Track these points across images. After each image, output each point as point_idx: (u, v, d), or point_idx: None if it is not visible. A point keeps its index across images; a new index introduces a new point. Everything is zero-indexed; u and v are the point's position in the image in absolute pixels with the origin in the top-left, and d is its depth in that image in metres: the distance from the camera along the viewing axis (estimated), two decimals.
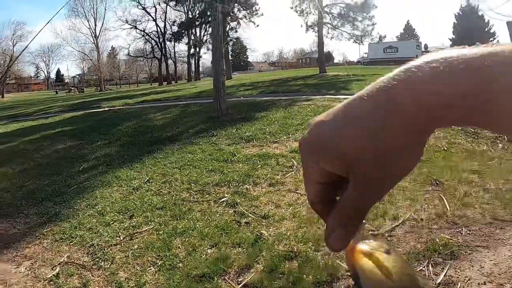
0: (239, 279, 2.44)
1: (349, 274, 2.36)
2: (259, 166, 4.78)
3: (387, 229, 2.92)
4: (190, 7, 40.47)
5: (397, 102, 0.28)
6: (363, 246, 0.34)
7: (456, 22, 53.87)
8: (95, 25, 48.59)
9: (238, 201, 3.71)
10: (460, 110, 0.26)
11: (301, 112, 8.35)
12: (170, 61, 47.81)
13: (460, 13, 51.50)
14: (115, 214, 3.63)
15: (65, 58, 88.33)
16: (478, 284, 2.25)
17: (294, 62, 74.65)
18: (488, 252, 2.57)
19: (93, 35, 48.71)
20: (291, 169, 4.55)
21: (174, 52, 48.33)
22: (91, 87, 53.14)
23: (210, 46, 41.48)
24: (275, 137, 6.29)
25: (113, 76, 59.17)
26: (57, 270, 2.72)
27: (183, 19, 41.89)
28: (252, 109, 9.28)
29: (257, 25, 36.18)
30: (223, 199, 3.80)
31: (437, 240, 2.71)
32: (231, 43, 44.38)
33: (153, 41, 45.78)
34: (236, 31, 38.52)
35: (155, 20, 44.39)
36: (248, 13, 35.11)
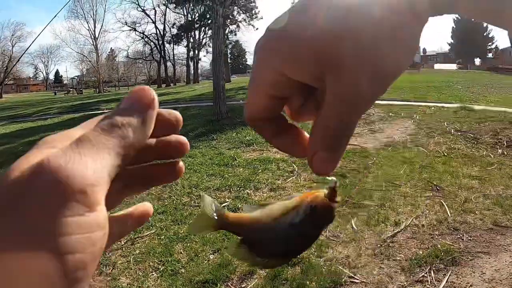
0: (242, 285, 2.44)
1: (352, 280, 2.38)
2: (260, 170, 4.79)
3: (388, 235, 2.93)
4: (190, 9, 40.61)
5: None
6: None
7: (454, 26, 54.22)
8: (95, 26, 48.68)
9: (239, 206, 3.72)
10: None
11: None
12: (169, 64, 47.87)
13: (459, 17, 51.78)
14: None
15: (64, 59, 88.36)
16: None
17: None
18: (489, 258, 2.59)
19: (92, 37, 48.73)
20: (291, 174, 4.56)
21: (173, 54, 48.42)
22: (89, 89, 53.11)
23: (209, 49, 41.77)
24: None
25: (111, 78, 59.10)
26: None
27: (182, 22, 42.03)
28: None
29: (257, 29, 36.35)
30: (224, 204, 3.80)
31: (439, 246, 2.73)
32: (230, 46, 44.52)
33: (152, 43, 45.86)
34: (235, 34, 38.68)
35: (154, 22, 44.50)
36: (247, 16, 35.28)
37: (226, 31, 34.19)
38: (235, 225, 0.32)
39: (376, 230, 3.02)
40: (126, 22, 45.59)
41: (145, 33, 45.57)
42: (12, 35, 48.38)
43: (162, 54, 45.50)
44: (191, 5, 38.98)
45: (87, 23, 47.93)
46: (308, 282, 2.38)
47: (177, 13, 42.64)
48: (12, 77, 55.95)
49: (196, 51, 43.92)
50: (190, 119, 9.59)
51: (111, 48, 59.94)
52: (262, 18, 36.38)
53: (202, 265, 2.71)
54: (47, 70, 69.31)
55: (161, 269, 2.71)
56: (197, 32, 42.35)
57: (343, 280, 2.37)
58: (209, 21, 36.91)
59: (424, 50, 67.44)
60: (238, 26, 36.39)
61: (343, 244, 2.83)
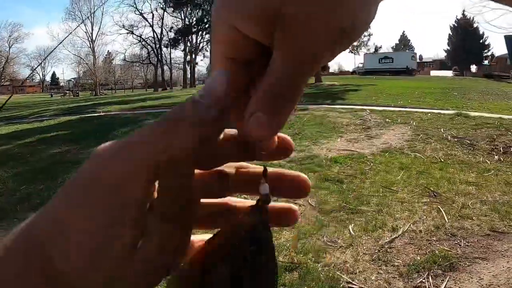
0: None
1: (350, 286, 2.36)
2: None
3: (386, 240, 2.92)
4: (188, 13, 40.73)
5: None
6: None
7: (451, 33, 54.68)
8: (92, 29, 48.69)
9: None
10: None
11: (298, 121, 8.38)
12: (166, 67, 47.89)
13: (456, 24, 52.30)
14: None
15: (61, 61, 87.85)
16: None
17: None
18: (487, 264, 2.59)
19: (89, 39, 48.74)
20: None
21: (170, 58, 48.45)
22: (86, 91, 53.00)
23: (206, 53, 41.87)
24: None
25: (108, 80, 59.05)
26: None
27: (180, 26, 42.09)
28: None
29: None
30: None
31: (436, 251, 2.73)
32: None
33: (149, 46, 45.84)
34: None
35: (151, 26, 44.53)
36: None
37: None
38: None
39: (374, 235, 3.02)
40: (123, 25, 45.60)
41: (142, 36, 45.62)
42: (9, 36, 48.33)
43: (159, 58, 45.53)
44: (188, 9, 39.11)
45: (85, 25, 47.90)
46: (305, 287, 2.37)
47: (175, 17, 42.80)
48: (9, 78, 55.71)
49: (193, 56, 43.97)
50: None
51: (108, 51, 59.99)
52: None
53: None
54: (44, 72, 69.21)
55: None
56: (194, 37, 42.44)
57: (341, 285, 2.36)
58: (207, 26, 37.08)
59: (421, 56, 68.03)
60: None
61: (341, 249, 2.82)
